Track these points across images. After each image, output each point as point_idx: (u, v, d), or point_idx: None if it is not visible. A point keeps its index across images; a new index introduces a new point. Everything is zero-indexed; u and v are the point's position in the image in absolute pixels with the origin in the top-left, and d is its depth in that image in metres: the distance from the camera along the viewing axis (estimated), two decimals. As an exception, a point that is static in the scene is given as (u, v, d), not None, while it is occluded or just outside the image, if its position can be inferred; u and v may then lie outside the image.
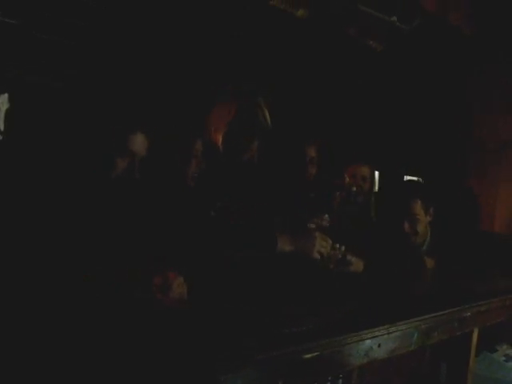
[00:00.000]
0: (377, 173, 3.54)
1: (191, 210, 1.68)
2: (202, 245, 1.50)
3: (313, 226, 1.87)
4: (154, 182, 1.74)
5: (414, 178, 3.57)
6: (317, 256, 1.75)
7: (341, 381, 1.70)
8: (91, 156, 1.57)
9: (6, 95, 2.15)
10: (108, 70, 2.35)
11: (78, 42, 2.29)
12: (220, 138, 1.87)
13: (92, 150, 1.57)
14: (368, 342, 1.31)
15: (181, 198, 1.74)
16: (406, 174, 3.52)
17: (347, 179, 2.58)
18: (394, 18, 2.96)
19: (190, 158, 1.87)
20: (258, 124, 1.88)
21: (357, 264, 2.05)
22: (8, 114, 2.14)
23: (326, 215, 1.92)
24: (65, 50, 2.27)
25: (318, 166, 2.33)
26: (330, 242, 1.80)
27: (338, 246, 1.91)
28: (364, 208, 2.66)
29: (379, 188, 3.59)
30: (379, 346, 1.35)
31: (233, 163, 1.89)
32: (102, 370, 0.98)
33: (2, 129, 2.19)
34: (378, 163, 3.24)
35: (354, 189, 2.53)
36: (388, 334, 1.37)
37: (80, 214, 1.45)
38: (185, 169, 1.86)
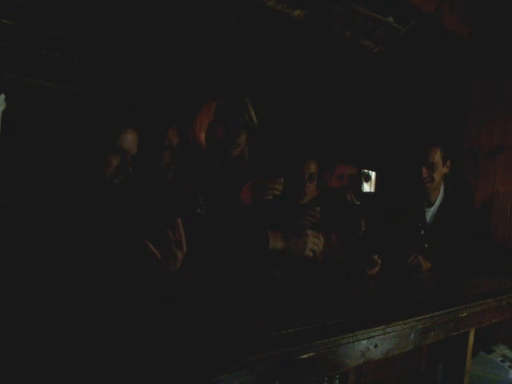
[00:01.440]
0: (373, 173, 3.54)
1: (173, 205, 1.68)
2: (191, 242, 1.49)
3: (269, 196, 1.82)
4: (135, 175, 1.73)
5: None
6: (309, 254, 1.73)
7: (337, 381, 1.70)
8: (87, 155, 1.56)
9: (3, 96, 2.14)
10: (105, 69, 2.35)
11: (77, 41, 2.29)
12: (202, 136, 1.87)
13: (87, 149, 1.56)
14: (364, 342, 1.31)
15: (159, 191, 1.73)
16: (402, 174, 3.51)
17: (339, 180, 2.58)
18: (391, 19, 2.97)
19: (162, 148, 1.86)
20: (243, 122, 1.88)
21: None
22: (5, 115, 2.13)
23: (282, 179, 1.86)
24: (64, 50, 2.26)
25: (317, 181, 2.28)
26: (323, 239, 1.78)
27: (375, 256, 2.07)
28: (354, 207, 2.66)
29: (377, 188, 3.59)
30: (376, 346, 1.35)
31: (219, 161, 1.88)
32: (97, 370, 0.98)
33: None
34: (373, 164, 3.24)
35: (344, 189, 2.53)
36: (384, 334, 1.37)
37: (80, 214, 1.45)
38: (157, 159, 1.85)
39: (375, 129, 3.48)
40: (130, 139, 1.60)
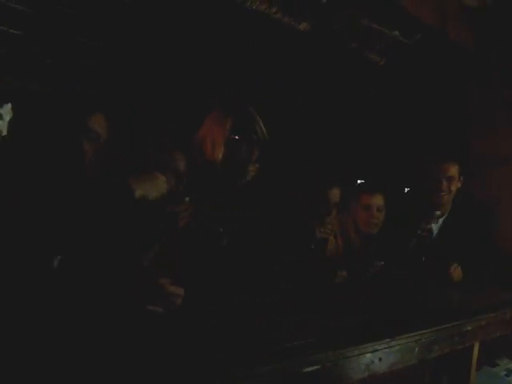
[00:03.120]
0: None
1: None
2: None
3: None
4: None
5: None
6: (157, 197, 1.65)
7: (341, 394, 1.69)
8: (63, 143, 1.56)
9: (10, 105, 2.16)
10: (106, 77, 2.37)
11: (77, 41, 2.30)
12: (218, 154, 1.86)
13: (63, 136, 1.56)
14: (369, 355, 1.31)
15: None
16: (406, 187, 3.51)
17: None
18: (396, 33, 2.99)
19: (166, 171, 1.78)
20: (256, 138, 1.87)
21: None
22: (12, 124, 2.14)
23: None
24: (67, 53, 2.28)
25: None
26: (173, 182, 1.74)
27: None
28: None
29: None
30: (380, 359, 1.35)
31: (235, 183, 1.88)
32: (97, 372, 0.98)
33: (6, 138, 2.20)
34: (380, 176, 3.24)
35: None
36: (389, 347, 1.37)
37: (80, 214, 1.45)
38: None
39: (381, 140, 3.48)
40: (99, 122, 1.62)
